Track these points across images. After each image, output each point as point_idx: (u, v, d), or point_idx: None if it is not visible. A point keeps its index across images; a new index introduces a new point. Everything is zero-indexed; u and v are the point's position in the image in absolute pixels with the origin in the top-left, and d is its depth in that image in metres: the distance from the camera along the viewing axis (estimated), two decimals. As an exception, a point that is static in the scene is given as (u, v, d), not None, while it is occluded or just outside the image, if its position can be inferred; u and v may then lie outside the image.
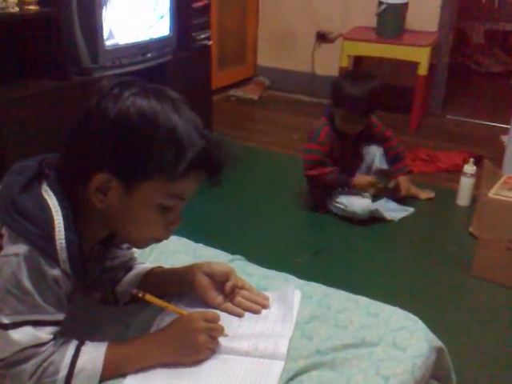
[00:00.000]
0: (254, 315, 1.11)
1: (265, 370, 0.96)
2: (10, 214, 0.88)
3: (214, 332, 1.00)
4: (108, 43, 2.58)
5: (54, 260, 0.89)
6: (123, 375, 0.96)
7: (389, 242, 2.50)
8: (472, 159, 2.77)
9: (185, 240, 1.42)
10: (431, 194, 2.83)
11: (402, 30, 3.80)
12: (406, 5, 3.75)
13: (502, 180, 2.26)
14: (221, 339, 1.01)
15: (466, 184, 2.75)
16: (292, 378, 0.95)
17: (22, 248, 0.87)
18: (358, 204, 2.55)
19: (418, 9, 3.83)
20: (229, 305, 1.11)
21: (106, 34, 2.54)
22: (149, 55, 2.84)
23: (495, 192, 2.17)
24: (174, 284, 1.14)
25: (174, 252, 1.34)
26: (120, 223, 0.98)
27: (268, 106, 4.37)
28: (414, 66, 3.65)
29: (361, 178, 2.65)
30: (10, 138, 2.30)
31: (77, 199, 0.94)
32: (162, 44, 2.92)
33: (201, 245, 1.40)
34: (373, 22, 3.85)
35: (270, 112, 4.26)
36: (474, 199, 2.68)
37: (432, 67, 3.81)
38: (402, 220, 2.62)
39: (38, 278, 0.88)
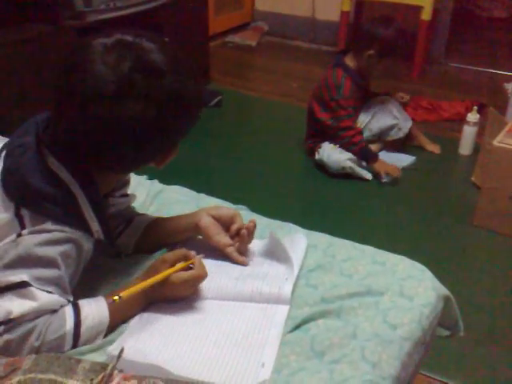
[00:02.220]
0: (259, 258, 1.09)
1: (269, 317, 0.95)
2: (30, 198, 0.88)
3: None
4: (101, -15, 2.48)
5: (87, 232, 0.92)
6: (125, 322, 0.94)
7: (390, 192, 2.47)
8: (475, 107, 2.72)
9: (186, 190, 1.39)
10: (437, 149, 2.77)
11: (405, -28, 3.66)
12: None
13: (506, 128, 2.21)
14: (225, 282, 1.01)
15: (468, 132, 2.70)
16: (298, 326, 0.94)
17: (54, 226, 0.88)
18: (333, 157, 2.49)
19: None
20: (234, 251, 1.09)
21: (99, -25, 2.44)
22: (143, -2, 2.74)
23: (500, 140, 2.13)
24: (180, 231, 1.12)
25: (175, 202, 1.31)
26: None
27: (266, 53, 4.27)
28: (417, 10, 3.54)
29: (381, 165, 2.54)
30: (1, 83, 2.23)
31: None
32: (157, -14, 2.81)
33: (203, 194, 1.38)
34: (376, -37, 3.71)
35: (269, 59, 4.16)
36: (476, 148, 2.65)
37: (435, 12, 3.69)
38: (403, 170, 2.59)
39: (68, 253, 0.89)
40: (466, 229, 2.20)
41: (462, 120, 2.81)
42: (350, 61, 2.56)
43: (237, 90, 3.50)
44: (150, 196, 1.33)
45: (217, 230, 1.09)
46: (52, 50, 2.40)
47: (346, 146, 2.52)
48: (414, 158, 2.68)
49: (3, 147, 0.98)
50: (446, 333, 1.19)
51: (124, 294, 0.89)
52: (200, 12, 3.31)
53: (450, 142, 2.81)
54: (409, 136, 2.72)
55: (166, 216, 1.19)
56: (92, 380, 0.75)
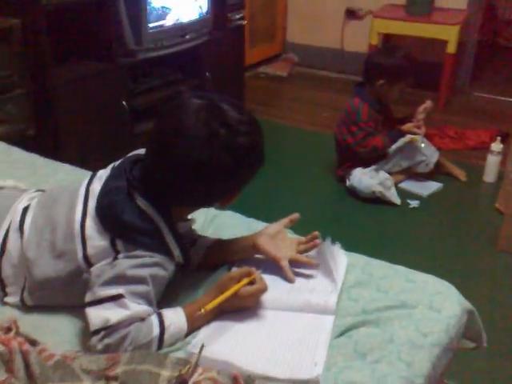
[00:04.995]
0: (306, 272, 1.27)
1: (318, 325, 1.12)
2: (123, 231, 1.10)
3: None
4: (151, 26, 2.71)
5: (171, 258, 1.13)
6: (198, 328, 1.12)
7: (417, 217, 2.63)
8: (499, 137, 2.87)
9: (238, 215, 1.58)
10: (463, 176, 2.90)
11: (431, 7, 3.85)
12: (436, -18, 3.79)
13: (528, 158, 2.36)
14: (279, 295, 1.18)
15: (492, 161, 2.85)
16: (342, 333, 1.12)
17: (144, 253, 1.09)
18: (364, 182, 2.67)
19: (448, -14, 3.88)
20: (287, 266, 1.26)
21: (149, 17, 2.68)
22: (187, 36, 2.97)
23: (521, 170, 2.28)
24: (238, 251, 1.31)
25: (230, 226, 1.50)
26: None
27: (297, 83, 4.47)
28: (443, 43, 3.72)
29: (407, 126, 2.74)
30: (62, 114, 2.48)
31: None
32: (199, 25, 3.04)
33: (252, 219, 1.56)
34: (402, -1, 3.91)
35: (299, 89, 4.36)
36: (500, 176, 2.79)
37: (460, 44, 3.86)
38: (430, 196, 2.75)
39: (157, 274, 1.10)
40: (490, 252, 2.34)
41: (486, 148, 2.95)
42: (366, 90, 2.76)
43: (268, 119, 3.67)
44: (208, 220, 1.52)
45: (272, 247, 1.27)
46: (107, 86, 2.64)
47: (370, 154, 2.71)
48: (440, 184, 2.84)
49: (88, 185, 1.19)
50: (472, 345, 1.34)
51: (207, 307, 1.07)
52: (237, 46, 3.53)
53: (475, 169, 2.96)
54: (436, 164, 2.86)
55: (222, 237, 1.38)
56: (180, 370, 0.93)
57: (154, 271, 1.09)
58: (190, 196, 1.14)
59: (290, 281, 1.26)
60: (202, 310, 1.07)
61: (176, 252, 1.14)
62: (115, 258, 1.09)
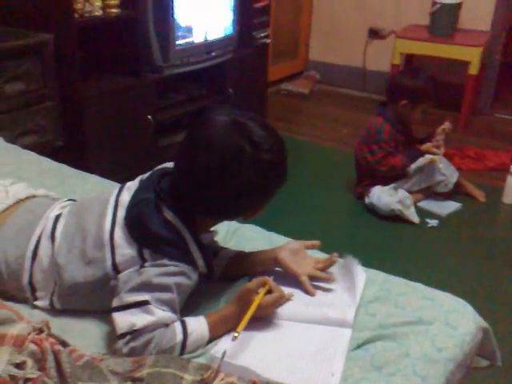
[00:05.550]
0: (325, 287, 1.30)
1: (336, 338, 1.15)
2: (150, 241, 1.15)
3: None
4: (178, 43, 2.79)
5: (195, 268, 1.18)
6: (219, 337, 1.16)
7: (435, 237, 2.64)
8: (519, 159, 2.88)
9: (259, 228, 1.62)
10: (482, 196, 2.92)
11: (454, 29, 3.88)
12: (459, 4, 3.82)
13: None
14: (298, 307, 1.22)
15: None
16: (360, 346, 1.15)
17: (170, 262, 1.14)
18: (383, 200, 2.70)
19: (471, 8, 3.91)
20: (307, 281, 1.30)
21: (176, 35, 2.76)
22: (213, 54, 3.05)
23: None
24: (260, 263, 1.35)
25: (250, 238, 1.54)
26: None
27: (318, 100, 4.52)
28: (465, 64, 3.75)
29: (427, 146, 2.78)
30: (89, 127, 2.56)
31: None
32: (224, 43, 3.11)
33: (273, 233, 1.60)
34: (425, 19, 3.95)
35: (321, 106, 4.41)
36: (520, 197, 2.80)
37: (483, 66, 3.89)
38: (449, 215, 2.76)
39: (181, 283, 1.15)
40: (508, 273, 2.34)
41: (506, 169, 2.96)
42: (389, 110, 2.79)
43: (289, 135, 3.72)
44: (230, 232, 1.56)
45: (293, 262, 1.31)
46: (134, 100, 2.71)
47: (388, 173, 2.74)
48: (459, 204, 2.85)
49: (118, 196, 1.25)
50: (485, 363, 1.36)
51: (239, 329, 1.10)
52: (261, 63, 3.59)
53: (494, 190, 2.97)
54: (456, 184, 2.88)
55: (244, 250, 1.42)
56: (202, 375, 0.97)
57: (178, 280, 1.14)
58: (215, 208, 1.18)
59: (311, 294, 1.29)
60: (236, 334, 1.10)
61: (200, 262, 1.19)
62: (142, 266, 1.14)
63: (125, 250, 1.16)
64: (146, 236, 1.16)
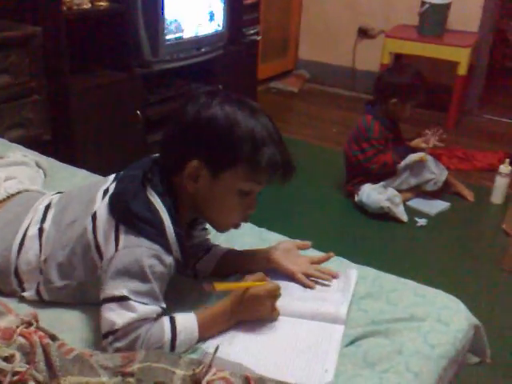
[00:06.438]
0: (318, 285, 1.29)
1: (328, 333, 1.14)
2: (129, 218, 1.11)
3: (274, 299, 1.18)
4: (168, 38, 2.77)
5: (168, 250, 1.13)
6: (210, 337, 1.14)
7: (424, 235, 2.65)
8: (507, 159, 2.90)
9: (250, 224, 1.60)
10: (471, 196, 2.94)
11: (443, 29, 3.90)
12: (448, 5, 3.85)
13: (536, 180, 2.39)
14: (290, 302, 1.20)
15: (500, 183, 2.88)
16: (352, 342, 1.14)
17: (144, 242, 1.09)
18: (372, 197, 2.70)
19: (460, 9, 3.93)
20: (303, 276, 1.29)
21: (166, 30, 2.73)
22: (203, 50, 3.03)
23: (529, 192, 2.30)
24: (251, 262, 1.32)
25: (241, 235, 1.52)
26: (206, 207, 1.21)
27: (308, 99, 4.52)
28: (453, 64, 3.77)
29: (416, 141, 2.86)
30: (77, 121, 2.53)
31: (173, 190, 1.17)
32: (214, 39, 3.10)
33: (264, 229, 1.59)
34: (414, 20, 3.97)
35: (310, 105, 4.41)
36: (508, 197, 2.82)
37: (471, 67, 3.91)
38: (438, 215, 2.77)
39: (155, 267, 1.09)
40: (495, 272, 2.36)
41: (493, 170, 2.99)
42: (378, 108, 2.80)
43: (279, 133, 3.73)
44: (220, 228, 1.54)
45: (287, 261, 1.30)
46: (123, 95, 2.69)
47: (380, 171, 2.75)
48: (448, 204, 2.86)
49: (116, 176, 1.23)
50: (476, 360, 1.36)
51: (219, 287, 1.11)
52: (251, 60, 3.59)
53: (483, 190, 2.99)
54: (445, 183, 2.90)
55: (235, 246, 1.40)
56: (194, 370, 0.95)
57: (152, 262, 1.09)
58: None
59: (310, 287, 1.28)
60: (212, 287, 1.09)
61: (174, 246, 1.14)
62: (116, 250, 1.10)
63: (106, 226, 1.13)
64: (123, 211, 1.12)
